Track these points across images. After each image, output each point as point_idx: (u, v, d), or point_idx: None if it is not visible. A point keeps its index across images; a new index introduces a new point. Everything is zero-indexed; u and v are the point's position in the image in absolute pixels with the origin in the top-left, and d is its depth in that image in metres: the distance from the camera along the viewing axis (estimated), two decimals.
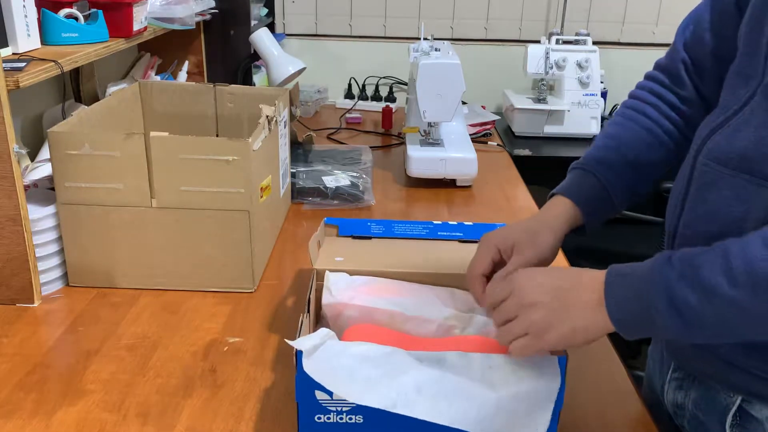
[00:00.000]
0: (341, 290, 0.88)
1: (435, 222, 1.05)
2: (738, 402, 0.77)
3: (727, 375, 0.77)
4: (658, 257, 0.66)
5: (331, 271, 0.91)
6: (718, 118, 0.75)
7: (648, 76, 0.92)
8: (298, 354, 0.69)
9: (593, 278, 0.69)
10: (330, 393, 0.70)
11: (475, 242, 1.03)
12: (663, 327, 0.64)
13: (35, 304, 1.06)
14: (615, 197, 0.88)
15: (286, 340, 0.71)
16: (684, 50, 0.87)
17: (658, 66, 0.91)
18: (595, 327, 0.68)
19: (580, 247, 1.67)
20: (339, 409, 0.71)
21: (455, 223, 1.04)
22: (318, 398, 0.71)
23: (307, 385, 0.70)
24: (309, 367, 0.70)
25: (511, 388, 0.70)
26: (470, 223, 1.04)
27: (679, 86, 0.88)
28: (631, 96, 0.93)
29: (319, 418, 0.71)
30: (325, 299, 0.87)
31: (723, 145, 0.72)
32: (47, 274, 1.09)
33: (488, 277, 0.83)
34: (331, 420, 0.72)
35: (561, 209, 0.87)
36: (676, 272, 0.63)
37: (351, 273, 0.92)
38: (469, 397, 0.70)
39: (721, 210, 0.71)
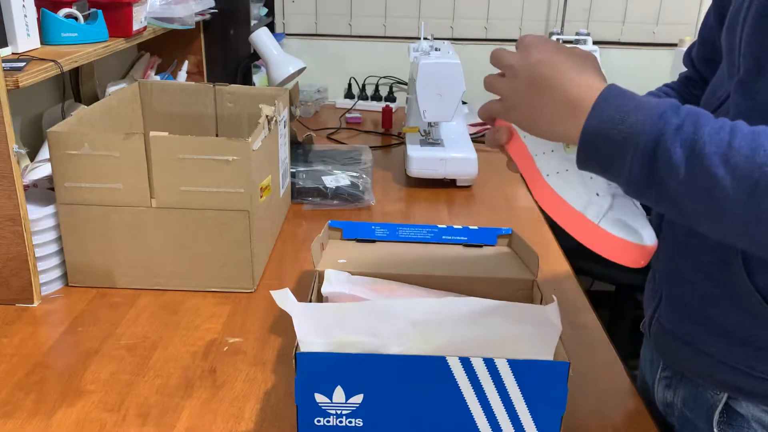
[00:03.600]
0: (341, 282, 0.90)
1: (439, 226, 1.04)
2: (724, 399, 0.78)
3: (712, 371, 0.77)
4: (668, 100, 0.62)
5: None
6: None
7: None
8: (298, 356, 0.69)
9: (590, 85, 0.64)
10: (330, 396, 0.70)
11: (480, 246, 1.04)
12: (628, 167, 0.60)
13: (35, 304, 1.06)
14: None
15: (271, 292, 0.70)
16: (689, 60, 0.95)
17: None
18: (560, 129, 0.66)
19: (581, 247, 1.66)
20: (338, 412, 0.71)
21: (460, 227, 1.04)
22: (318, 401, 0.70)
23: (306, 388, 0.70)
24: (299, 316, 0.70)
25: (508, 330, 0.70)
26: (475, 227, 1.04)
27: (690, 87, 0.96)
28: None
29: (319, 422, 0.71)
30: (324, 289, 0.88)
31: None
32: (47, 274, 1.09)
33: None
34: (331, 423, 0.71)
35: None
36: (677, 120, 0.59)
37: (353, 275, 0.93)
38: (464, 330, 0.70)
39: None
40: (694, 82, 0.95)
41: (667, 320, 0.83)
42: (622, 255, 0.67)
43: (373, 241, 1.03)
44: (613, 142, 0.61)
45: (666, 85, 0.98)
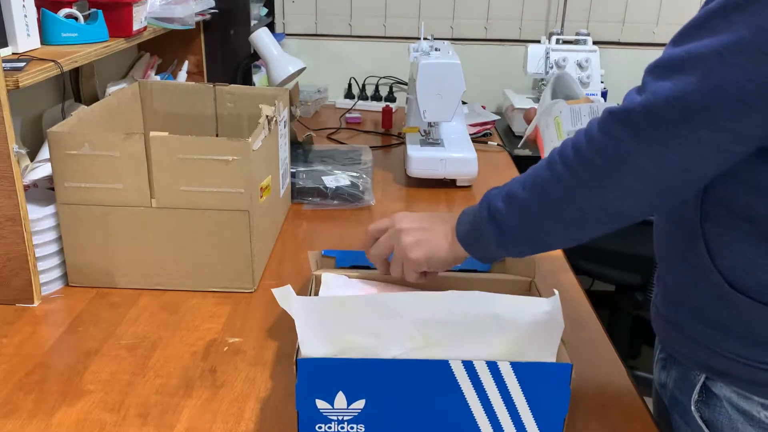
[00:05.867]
0: (339, 285, 0.90)
1: None
2: (702, 380, 0.81)
3: (693, 353, 0.81)
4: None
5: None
6: None
7: None
8: (299, 362, 0.69)
9: (452, 216, 0.86)
10: (331, 401, 0.70)
11: None
12: (487, 235, 0.79)
13: (35, 304, 1.06)
14: None
15: (273, 290, 0.72)
16: None
17: None
18: (450, 251, 0.84)
19: (580, 247, 1.66)
20: (340, 418, 0.70)
21: None
22: (319, 407, 0.70)
23: (307, 394, 0.70)
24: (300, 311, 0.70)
25: (510, 330, 0.70)
26: None
27: None
28: None
29: (320, 428, 0.71)
30: (322, 293, 0.88)
31: None
32: (47, 274, 1.09)
33: None
34: (332, 429, 0.71)
35: None
36: (496, 191, 0.80)
37: (351, 278, 0.93)
38: (466, 330, 0.71)
39: None
40: None
41: (660, 303, 0.86)
42: None
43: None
44: (476, 234, 0.81)
45: None
